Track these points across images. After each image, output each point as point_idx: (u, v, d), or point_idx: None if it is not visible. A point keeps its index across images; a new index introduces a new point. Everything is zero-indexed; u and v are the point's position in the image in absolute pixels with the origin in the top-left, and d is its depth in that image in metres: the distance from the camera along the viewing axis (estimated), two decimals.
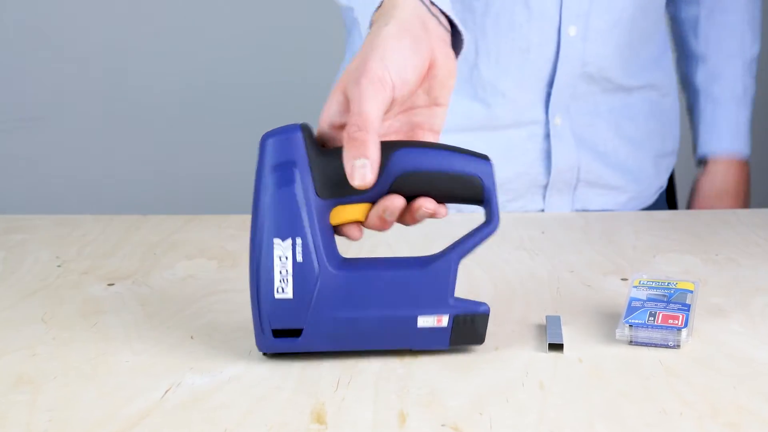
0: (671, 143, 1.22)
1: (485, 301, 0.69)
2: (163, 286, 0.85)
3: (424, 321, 0.68)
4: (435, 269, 0.68)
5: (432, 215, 0.67)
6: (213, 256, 0.93)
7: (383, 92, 0.66)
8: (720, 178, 1.24)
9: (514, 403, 0.62)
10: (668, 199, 1.28)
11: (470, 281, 0.84)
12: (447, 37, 0.73)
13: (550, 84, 1.08)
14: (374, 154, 0.64)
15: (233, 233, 1.01)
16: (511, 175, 1.11)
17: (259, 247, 0.66)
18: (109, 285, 0.86)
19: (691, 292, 0.75)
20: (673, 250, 0.94)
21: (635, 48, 1.12)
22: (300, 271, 0.66)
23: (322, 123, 0.69)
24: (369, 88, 0.65)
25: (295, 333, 0.68)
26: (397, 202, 0.67)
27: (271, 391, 0.64)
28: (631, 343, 0.70)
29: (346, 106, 0.67)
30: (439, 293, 0.68)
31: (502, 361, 0.68)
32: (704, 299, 0.79)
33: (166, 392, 0.64)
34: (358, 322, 0.68)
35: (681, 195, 1.32)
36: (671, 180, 1.28)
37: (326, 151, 0.67)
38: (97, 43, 2.44)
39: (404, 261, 0.70)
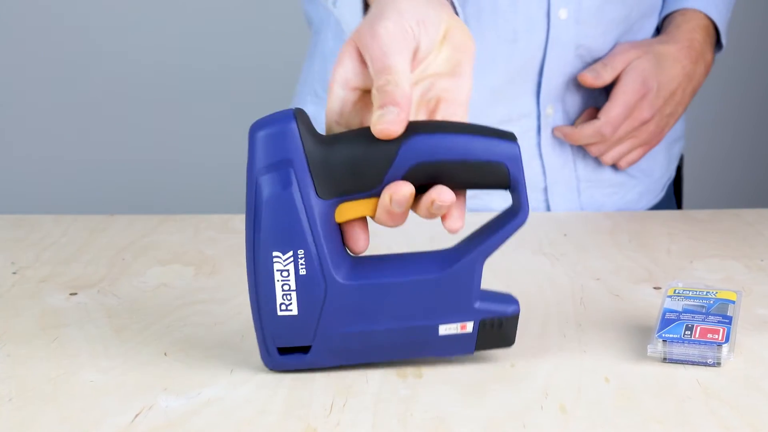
0: (680, 124, 1.20)
1: None
2: (133, 295, 0.85)
3: (447, 329, 0.68)
4: (457, 272, 0.68)
5: (449, 207, 0.67)
6: (189, 262, 0.93)
7: (406, 42, 0.67)
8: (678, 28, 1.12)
9: (531, 429, 0.62)
10: (675, 192, 1.25)
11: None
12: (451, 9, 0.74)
13: (540, 72, 1.09)
14: (406, 104, 0.65)
15: (213, 236, 1.01)
16: None
17: (257, 261, 0.67)
18: (72, 294, 0.86)
19: (734, 302, 0.75)
20: (713, 255, 0.94)
21: (632, 23, 1.11)
22: (304, 285, 0.67)
23: (335, 86, 0.69)
24: (391, 40, 0.67)
25: (304, 349, 0.68)
26: (404, 189, 0.66)
27: (256, 415, 0.64)
28: (664, 360, 0.70)
29: (362, 63, 0.68)
30: (463, 298, 0.68)
31: (519, 380, 0.68)
32: (748, 310, 0.79)
33: (136, 416, 0.64)
34: (372, 336, 0.68)
35: (688, 188, 1.28)
36: (678, 170, 1.25)
37: (326, 140, 0.67)
38: (66, 28, 2.44)
39: (421, 261, 0.70)
